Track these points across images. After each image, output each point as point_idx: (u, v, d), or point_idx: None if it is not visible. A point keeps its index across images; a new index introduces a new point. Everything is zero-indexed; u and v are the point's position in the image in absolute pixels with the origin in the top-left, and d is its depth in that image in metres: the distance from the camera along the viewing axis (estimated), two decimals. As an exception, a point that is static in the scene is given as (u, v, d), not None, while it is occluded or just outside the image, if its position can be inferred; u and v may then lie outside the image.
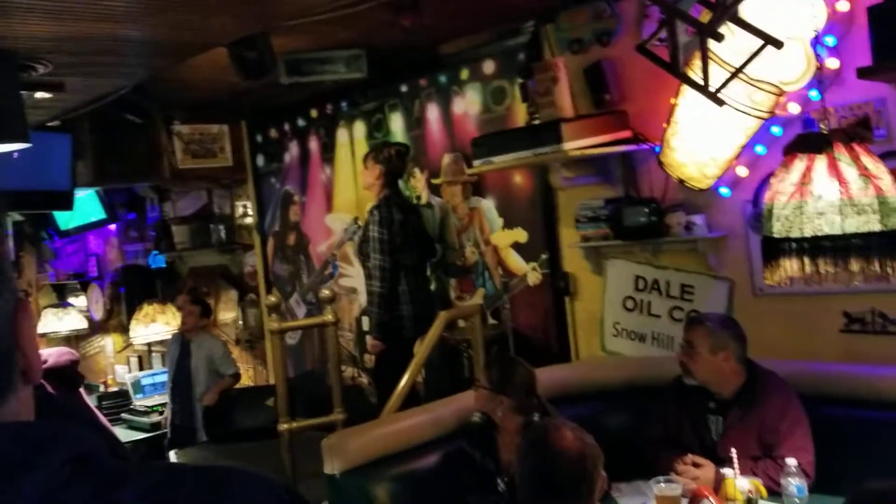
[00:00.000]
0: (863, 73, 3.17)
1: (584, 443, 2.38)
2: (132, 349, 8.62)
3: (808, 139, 2.61)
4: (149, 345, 8.25)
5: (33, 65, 3.45)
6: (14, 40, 3.10)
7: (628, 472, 3.40)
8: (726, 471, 3.00)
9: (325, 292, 4.72)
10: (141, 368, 8.40)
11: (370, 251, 4.98)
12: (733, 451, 3.02)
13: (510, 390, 3.32)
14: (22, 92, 3.67)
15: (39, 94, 4.01)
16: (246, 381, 7.54)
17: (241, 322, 7.52)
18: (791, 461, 2.98)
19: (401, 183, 5.62)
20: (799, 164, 2.53)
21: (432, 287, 5.52)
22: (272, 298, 4.81)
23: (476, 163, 4.47)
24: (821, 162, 2.49)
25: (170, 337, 7.03)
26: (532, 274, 4.98)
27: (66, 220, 8.17)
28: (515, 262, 5.08)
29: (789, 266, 2.52)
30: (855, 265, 2.45)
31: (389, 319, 4.98)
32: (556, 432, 2.39)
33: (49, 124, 5.34)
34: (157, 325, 7.28)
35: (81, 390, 2.81)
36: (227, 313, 7.71)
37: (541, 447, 2.39)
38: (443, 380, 5.30)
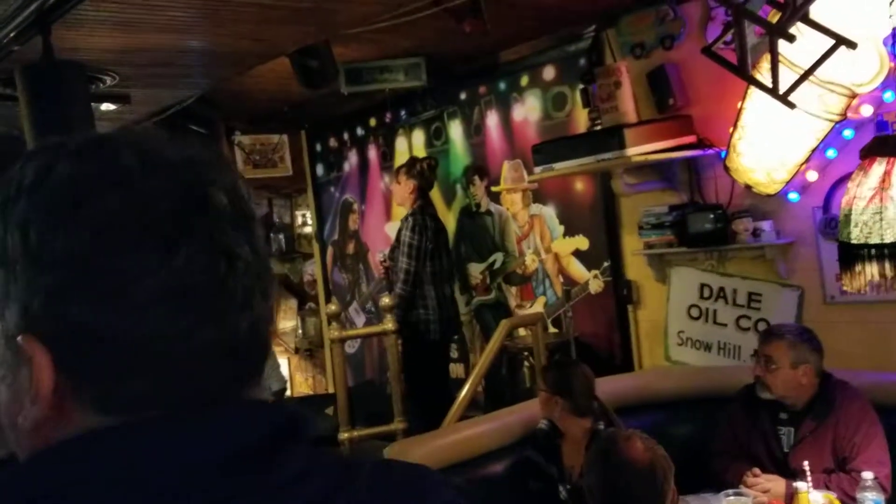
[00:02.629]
0: (940, 73, 3.06)
1: (654, 454, 2.32)
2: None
3: (888, 142, 2.52)
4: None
5: (101, 77, 3.51)
6: (83, 52, 3.16)
7: (695, 484, 3.32)
8: (799, 484, 2.90)
9: (385, 300, 4.71)
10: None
11: (399, 255, 5.03)
12: (806, 463, 2.92)
13: (566, 392, 3.29)
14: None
15: (106, 106, 4.08)
16: (305, 389, 7.59)
17: (300, 331, 7.57)
18: (867, 474, 2.87)
19: (459, 190, 5.64)
20: (877, 168, 2.44)
21: (492, 295, 5.52)
22: (332, 307, 4.82)
23: (537, 170, 4.43)
24: (901, 165, 2.40)
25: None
26: (594, 282, 4.91)
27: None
28: (577, 269, 5.02)
29: (869, 272, 2.42)
30: (938, 272, 2.36)
31: (414, 322, 5.06)
32: (627, 442, 2.34)
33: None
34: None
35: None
36: (287, 322, 7.77)
37: (611, 457, 2.34)
38: (504, 388, 5.27)
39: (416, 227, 5.06)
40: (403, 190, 5.20)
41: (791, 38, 2.94)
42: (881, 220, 2.34)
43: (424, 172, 5.20)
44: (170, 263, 0.64)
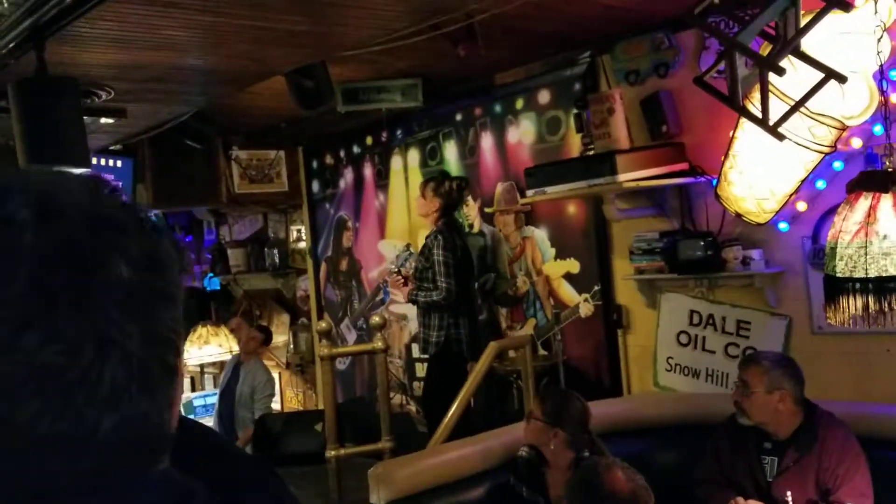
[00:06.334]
0: (928, 108, 3.08)
1: (635, 484, 2.33)
2: (185, 370, 8.70)
3: (873, 177, 2.54)
4: (201, 366, 8.34)
5: (96, 91, 3.54)
6: (78, 67, 3.18)
7: (680, 511, 3.32)
8: (781, 514, 2.91)
9: (376, 318, 4.71)
10: (193, 389, 8.49)
11: (436, 275, 4.99)
12: (788, 493, 2.93)
13: (565, 424, 3.24)
14: (85, 117, 3.75)
15: (103, 120, 4.11)
16: (295, 405, 7.58)
17: (291, 346, 7.57)
18: (849, 506, 2.88)
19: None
20: (863, 203, 2.46)
21: (483, 316, 5.51)
22: (323, 324, 4.82)
23: (529, 193, 4.45)
24: (886, 201, 2.42)
25: (226, 358, 7.14)
26: (584, 305, 4.92)
27: (125, 241, 8.31)
28: (567, 292, 5.03)
29: (853, 306, 2.44)
30: (921, 307, 2.38)
31: (445, 341, 5.03)
32: (608, 472, 2.34)
33: (111, 148, 5.46)
34: (210, 346, 7.35)
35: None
36: (279, 337, 7.77)
37: (592, 488, 2.34)
38: (491, 411, 5.25)
39: (447, 245, 5.04)
40: (428, 206, 5.20)
41: (781, 72, 2.97)
42: (866, 254, 2.36)
43: (452, 192, 5.18)
44: (17, 345, 0.56)
